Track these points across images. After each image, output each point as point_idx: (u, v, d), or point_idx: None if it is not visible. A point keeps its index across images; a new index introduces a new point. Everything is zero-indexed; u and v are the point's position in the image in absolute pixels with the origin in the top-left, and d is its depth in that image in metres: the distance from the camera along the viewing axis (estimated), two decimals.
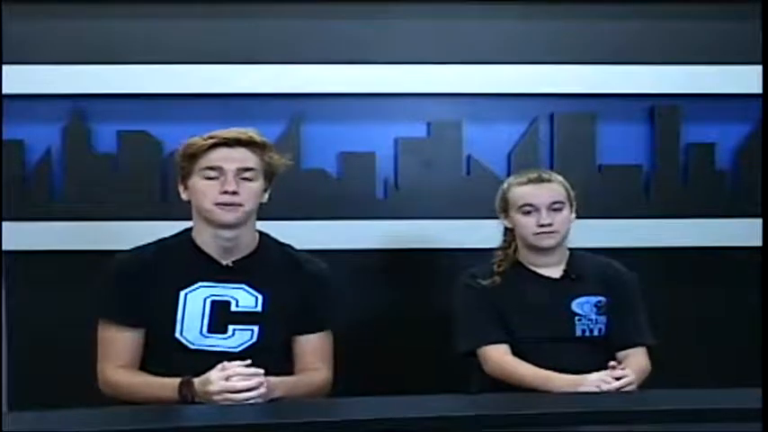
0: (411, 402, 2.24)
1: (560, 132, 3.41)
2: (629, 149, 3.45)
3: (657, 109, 3.43)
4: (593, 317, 2.70)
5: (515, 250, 2.78)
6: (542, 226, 2.69)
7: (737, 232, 3.40)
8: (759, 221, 3.25)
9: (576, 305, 2.70)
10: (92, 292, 2.52)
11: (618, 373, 2.47)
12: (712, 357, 3.30)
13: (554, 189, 2.72)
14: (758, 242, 3.30)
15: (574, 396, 2.41)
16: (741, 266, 3.40)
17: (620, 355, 2.68)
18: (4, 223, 3.23)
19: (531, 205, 2.70)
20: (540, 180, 2.73)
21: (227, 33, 3.33)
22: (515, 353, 2.65)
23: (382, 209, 3.37)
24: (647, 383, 2.56)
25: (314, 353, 2.54)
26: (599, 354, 2.64)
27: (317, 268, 2.58)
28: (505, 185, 2.79)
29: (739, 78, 3.37)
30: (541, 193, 2.71)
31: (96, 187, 3.29)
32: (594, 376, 2.47)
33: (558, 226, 2.70)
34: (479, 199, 3.36)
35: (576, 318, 2.69)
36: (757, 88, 3.30)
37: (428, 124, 3.39)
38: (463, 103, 3.38)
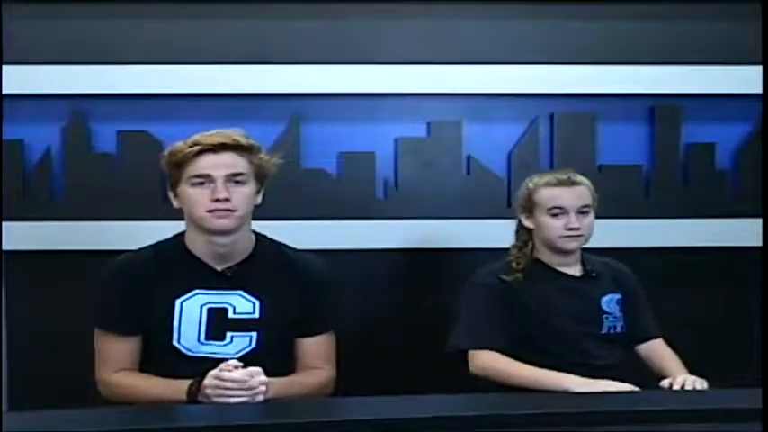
0: (411, 402, 2.24)
1: (560, 132, 3.41)
2: (629, 149, 3.44)
3: (657, 109, 3.43)
4: (618, 314, 2.73)
5: (532, 249, 2.75)
6: (571, 229, 2.67)
7: (737, 232, 3.40)
8: (759, 221, 3.25)
9: (604, 303, 2.72)
10: (88, 298, 2.52)
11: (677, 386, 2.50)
12: (712, 357, 3.29)
13: (583, 192, 2.71)
14: (758, 242, 3.30)
15: (573, 396, 2.41)
16: (741, 266, 3.41)
17: (643, 348, 2.75)
18: (4, 223, 3.23)
19: (560, 208, 2.68)
20: (570, 183, 2.70)
21: (228, 33, 3.33)
22: (549, 350, 2.63)
23: (382, 209, 3.37)
24: (647, 383, 2.57)
25: (316, 353, 2.52)
26: (620, 349, 2.71)
27: (316, 268, 2.54)
28: (531, 185, 2.74)
29: (739, 78, 3.37)
30: (571, 196, 2.69)
31: (96, 187, 3.29)
32: (606, 381, 2.47)
33: (584, 230, 2.69)
34: (479, 199, 3.37)
35: (604, 315, 2.70)
36: (757, 88, 3.30)
37: (428, 124, 3.39)
38: (463, 103, 3.38)
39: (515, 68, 3.35)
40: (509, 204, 3.37)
